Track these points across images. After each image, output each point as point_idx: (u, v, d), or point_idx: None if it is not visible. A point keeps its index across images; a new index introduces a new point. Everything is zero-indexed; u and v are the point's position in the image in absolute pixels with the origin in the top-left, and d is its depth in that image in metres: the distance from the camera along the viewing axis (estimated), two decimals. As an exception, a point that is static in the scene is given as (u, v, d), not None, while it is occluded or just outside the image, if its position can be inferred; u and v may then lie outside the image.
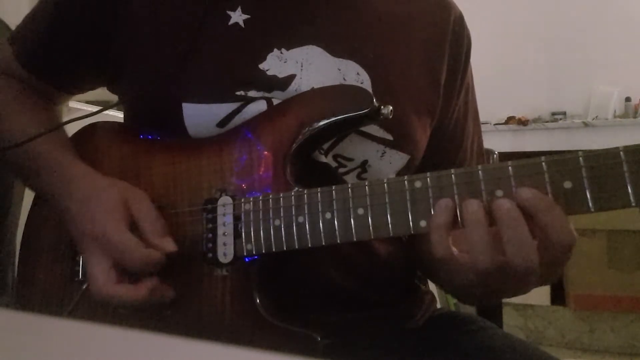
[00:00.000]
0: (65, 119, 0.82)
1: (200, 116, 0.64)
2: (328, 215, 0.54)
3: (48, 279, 0.69)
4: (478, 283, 0.52)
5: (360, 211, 0.53)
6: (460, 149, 0.78)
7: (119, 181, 0.63)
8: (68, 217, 0.62)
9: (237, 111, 0.64)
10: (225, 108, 0.64)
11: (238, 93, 0.64)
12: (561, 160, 0.47)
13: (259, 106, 0.64)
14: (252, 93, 0.64)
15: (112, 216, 0.58)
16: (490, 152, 0.95)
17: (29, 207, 0.75)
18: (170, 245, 0.58)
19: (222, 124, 0.64)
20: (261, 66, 0.65)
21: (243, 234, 0.58)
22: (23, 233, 0.73)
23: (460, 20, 0.77)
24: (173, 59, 0.64)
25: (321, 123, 0.59)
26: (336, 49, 0.67)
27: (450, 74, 0.75)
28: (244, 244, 0.58)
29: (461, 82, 0.77)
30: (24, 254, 0.73)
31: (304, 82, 0.65)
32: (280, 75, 0.65)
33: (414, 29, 0.73)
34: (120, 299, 0.56)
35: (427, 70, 0.73)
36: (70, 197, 0.62)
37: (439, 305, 0.82)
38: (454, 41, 0.75)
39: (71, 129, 0.73)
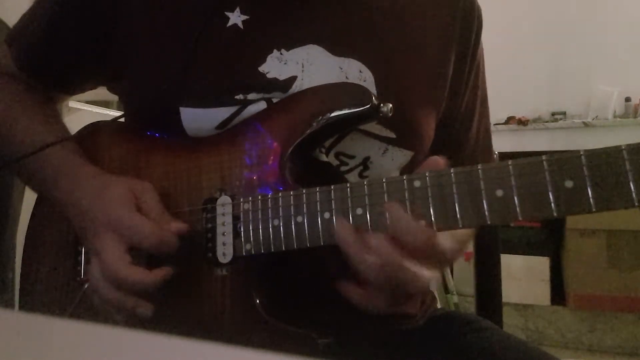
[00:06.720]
0: (64, 119, 0.82)
1: (199, 120, 0.63)
2: (327, 215, 0.54)
3: (50, 278, 0.69)
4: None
5: (359, 211, 0.53)
6: (470, 132, 0.78)
7: (126, 177, 0.63)
8: (77, 211, 0.62)
9: (236, 114, 0.63)
10: (224, 112, 0.63)
11: (237, 97, 0.63)
12: (562, 159, 0.46)
13: (259, 107, 0.63)
14: (251, 96, 0.63)
15: (123, 203, 0.58)
16: (490, 153, 0.94)
17: (30, 206, 0.75)
18: (179, 225, 0.58)
19: (221, 126, 0.64)
20: (261, 68, 0.64)
21: (242, 233, 0.58)
22: (26, 232, 0.73)
23: (470, 4, 0.75)
24: (172, 62, 0.64)
25: (320, 121, 0.59)
26: (337, 48, 0.66)
27: (459, 62, 0.73)
28: (243, 243, 0.58)
29: (470, 66, 0.75)
30: (27, 253, 0.73)
31: (306, 84, 0.64)
32: (281, 78, 0.64)
33: (417, 21, 0.72)
34: (134, 280, 0.55)
35: (432, 62, 0.71)
36: (81, 193, 0.61)
37: (439, 305, 0.81)
38: (462, 29, 0.73)
39: (72, 128, 0.73)
